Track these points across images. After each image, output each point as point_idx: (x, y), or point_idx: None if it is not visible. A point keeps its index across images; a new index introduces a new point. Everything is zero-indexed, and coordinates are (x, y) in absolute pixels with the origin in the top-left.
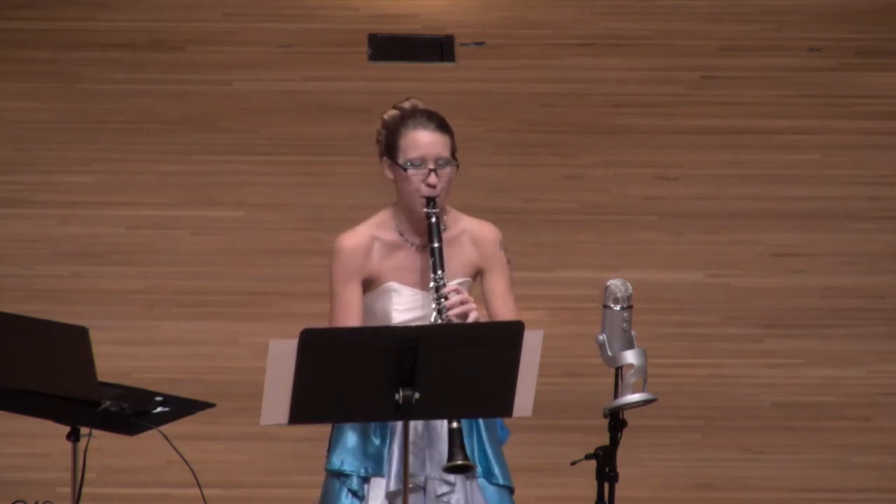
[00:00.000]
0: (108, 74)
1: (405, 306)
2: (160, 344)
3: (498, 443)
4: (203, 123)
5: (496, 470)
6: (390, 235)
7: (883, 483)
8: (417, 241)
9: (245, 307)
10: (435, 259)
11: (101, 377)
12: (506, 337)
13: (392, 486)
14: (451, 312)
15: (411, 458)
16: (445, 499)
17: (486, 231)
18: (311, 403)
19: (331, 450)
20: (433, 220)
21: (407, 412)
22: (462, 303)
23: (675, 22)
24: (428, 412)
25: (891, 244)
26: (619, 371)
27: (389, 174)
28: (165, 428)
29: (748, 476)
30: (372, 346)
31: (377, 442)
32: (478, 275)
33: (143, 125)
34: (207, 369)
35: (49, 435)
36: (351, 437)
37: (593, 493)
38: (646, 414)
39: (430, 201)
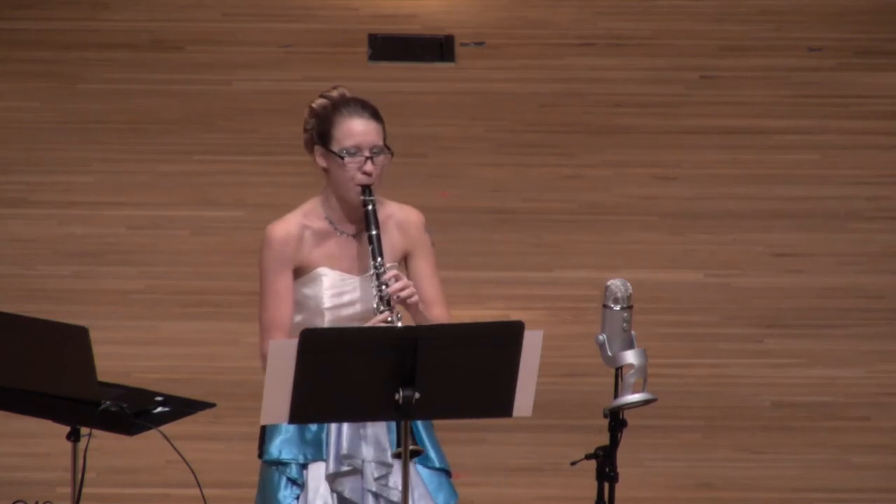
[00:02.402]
0: (108, 74)
1: (336, 290)
2: (160, 344)
3: (432, 429)
4: (203, 123)
5: (432, 454)
6: (320, 224)
7: (883, 483)
8: (348, 228)
9: (245, 307)
10: (374, 246)
11: (101, 377)
12: (506, 337)
13: (331, 469)
14: (394, 297)
15: (346, 442)
16: (383, 481)
17: (410, 215)
18: (311, 403)
19: (266, 440)
20: (370, 207)
21: (407, 412)
22: (404, 287)
23: (675, 22)
24: (428, 412)
25: (891, 244)
26: (619, 371)
27: (322, 162)
28: (165, 428)
29: (748, 476)
30: (372, 345)
31: (314, 428)
32: (404, 258)
33: (143, 125)
34: (207, 369)
35: (49, 435)
36: (287, 426)
37: (593, 493)
38: (646, 414)
39: (366, 189)
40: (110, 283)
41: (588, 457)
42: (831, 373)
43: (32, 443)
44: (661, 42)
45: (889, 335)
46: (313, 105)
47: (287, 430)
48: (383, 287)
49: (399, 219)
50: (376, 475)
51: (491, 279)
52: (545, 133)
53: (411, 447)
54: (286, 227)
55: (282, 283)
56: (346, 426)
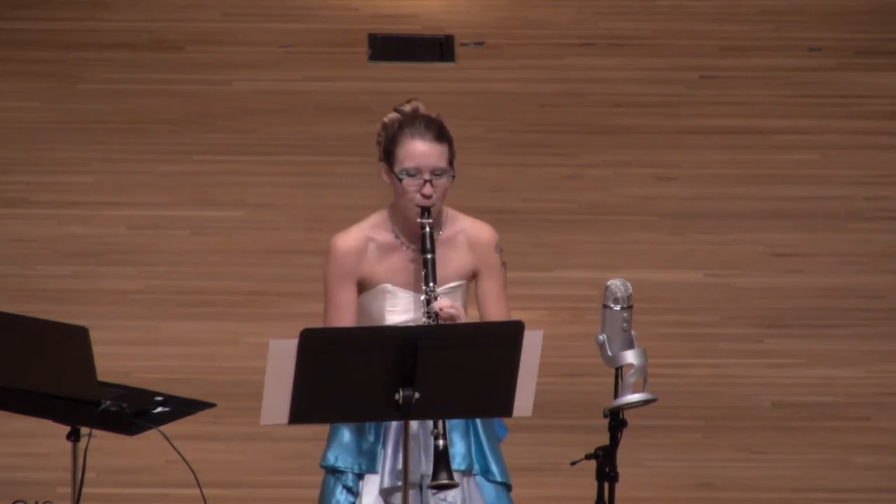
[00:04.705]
0: (108, 74)
1: (400, 308)
2: (160, 344)
3: (496, 440)
4: (203, 123)
5: (493, 467)
6: (385, 237)
7: (883, 483)
8: (412, 244)
9: (245, 307)
10: (427, 270)
11: (101, 377)
12: (506, 337)
13: (386, 483)
14: (441, 315)
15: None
16: (441, 495)
17: (482, 233)
18: (311, 403)
19: (326, 446)
20: (427, 230)
21: (407, 412)
22: (452, 308)
23: (675, 22)
24: (428, 412)
25: (891, 244)
26: (619, 371)
27: (386, 179)
28: (165, 428)
29: (748, 476)
30: (372, 346)
31: (371, 439)
32: (473, 276)
33: (143, 125)
34: (207, 369)
35: (49, 435)
36: (346, 435)
37: (593, 493)
38: (646, 414)
39: (425, 211)
40: (110, 283)
41: (588, 457)
42: (831, 373)
43: (32, 443)
44: (661, 42)
45: (889, 335)
46: (385, 119)
47: (344, 438)
48: (432, 312)
49: (470, 235)
50: (434, 490)
51: None
52: (545, 133)
53: (445, 481)
54: (351, 239)
55: (342, 295)
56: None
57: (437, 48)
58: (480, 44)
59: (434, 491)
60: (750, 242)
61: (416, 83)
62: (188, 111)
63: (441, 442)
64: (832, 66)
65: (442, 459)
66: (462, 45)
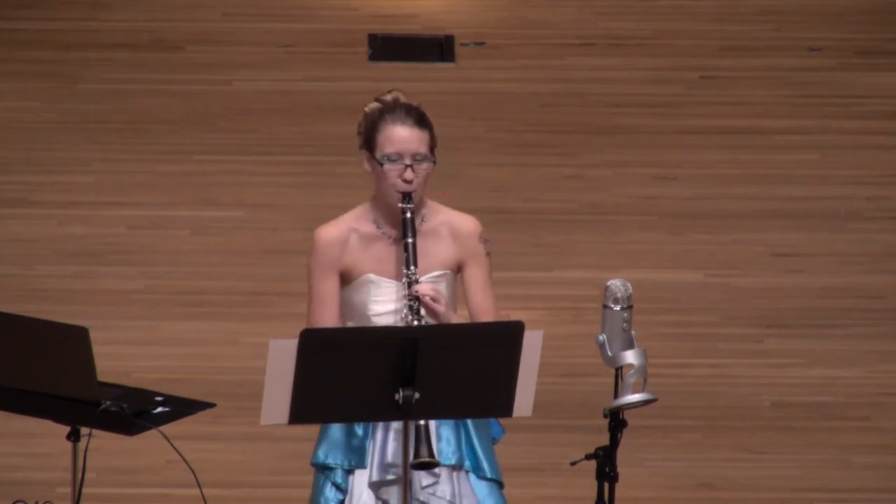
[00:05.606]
0: (108, 74)
1: (383, 298)
2: (160, 344)
3: (488, 437)
4: (203, 123)
5: (484, 465)
6: (367, 227)
7: (883, 483)
8: (394, 233)
9: (245, 307)
10: (408, 254)
11: (101, 377)
12: (506, 337)
13: (375, 477)
14: (421, 296)
15: (393, 449)
16: (430, 490)
17: (465, 224)
18: (311, 403)
19: (317, 443)
20: (408, 215)
21: (407, 412)
22: (430, 290)
23: (675, 22)
24: (428, 412)
25: (891, 244)
26: (619, 371)
27: (367, 167)
28: (165, 428)
29: (748, 476)
30: (372, 346)
31: (360, 433)
32: (458, 268)
33: (143, 125)
34: (207, 369)
35: (49, 435)
36: (336, 431)
37: (593, 493)
38: (646, 414)
39: (406, 196)
40: (110, 283)
41: (588, 457)
42: (831, 373)
43: (32, 443)
44: (661, 42)
45: (889, 335)
46: (366, 108)
47: (333, 435)
48: (412, 297)
49: (454, 226)
50: (424, 484)
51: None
52: (545, 133)
53: (426, 459)
54: (331, 231)
55: (325, 286)
56: (391, 434)
57: (437, 48)
58: (480, 44)
59: (421, 480)
60: (750, 242)
61: (416, 83)
62: (188, 111)
63: (421, 421)
64: (832, 66)
65: (423, 438)
66: (462, 45)
